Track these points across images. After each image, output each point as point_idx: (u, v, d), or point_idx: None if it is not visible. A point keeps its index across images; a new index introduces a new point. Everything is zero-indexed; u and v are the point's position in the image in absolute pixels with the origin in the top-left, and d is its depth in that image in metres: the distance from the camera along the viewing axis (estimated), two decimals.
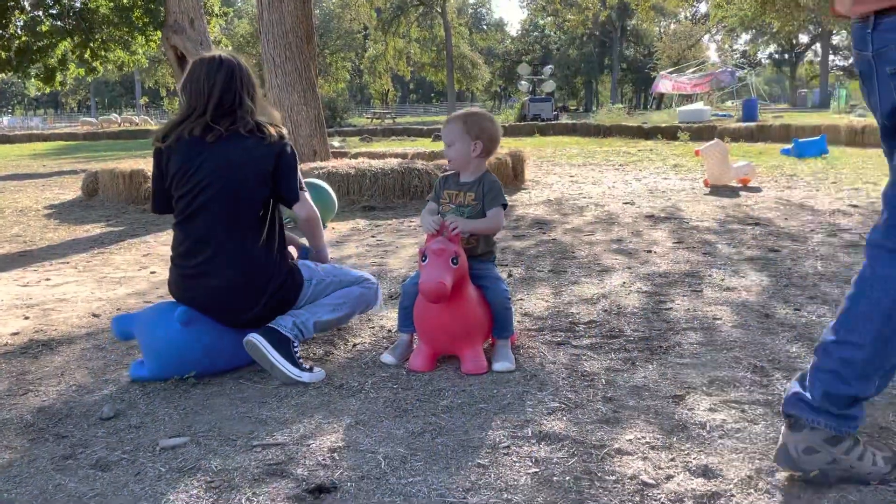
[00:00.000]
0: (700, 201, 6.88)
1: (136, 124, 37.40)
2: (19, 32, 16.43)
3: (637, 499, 1.74)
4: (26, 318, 3.54)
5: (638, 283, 3.88)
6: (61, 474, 1.94)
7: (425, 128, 23.44)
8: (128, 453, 2.05)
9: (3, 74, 17.44)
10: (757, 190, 7.56)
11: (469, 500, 1.75)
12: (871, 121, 15.87)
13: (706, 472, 1.84)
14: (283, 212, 2.82)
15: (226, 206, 2.60)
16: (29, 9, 16.32)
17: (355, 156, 9.76)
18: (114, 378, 2.67)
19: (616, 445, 2.00)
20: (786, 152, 11.33)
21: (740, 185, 7.86)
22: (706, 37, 53.65)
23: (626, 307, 3.41)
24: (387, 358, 2.74)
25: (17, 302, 3.88)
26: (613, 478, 1.83)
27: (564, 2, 49.74)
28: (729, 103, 30.39)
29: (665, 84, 33.97)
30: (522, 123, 24.00)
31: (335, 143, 15.58)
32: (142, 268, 4.78)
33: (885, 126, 1.74)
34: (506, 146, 10.17)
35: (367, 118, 38.43)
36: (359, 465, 1.93)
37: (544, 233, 5.51)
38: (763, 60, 62.64)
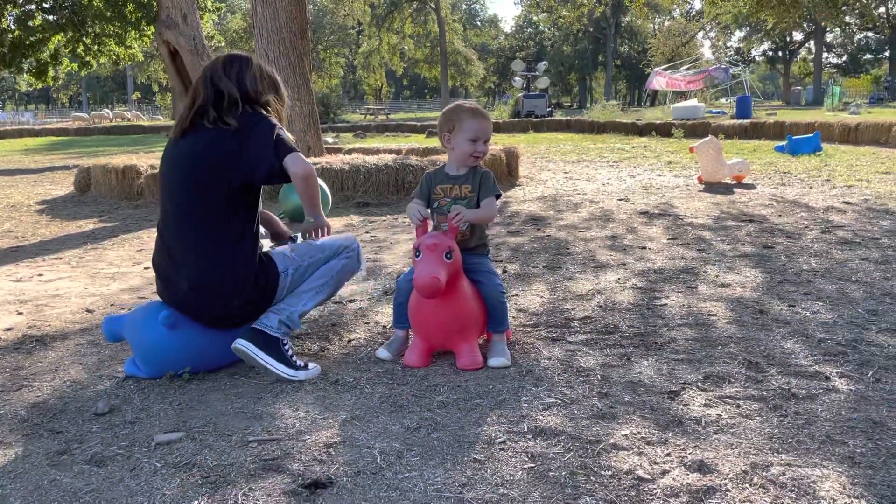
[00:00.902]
0: (694, 198, 6.90)
1: (128, 120, 37.29)
2: (12, 27, 16.34)
3: (632, 493, 1.74)
4: (19, 313, 3.53)
5: (633, 279, 3.89)
6: (56, 470, 1.93)
7: (419, 124, 23.43)
8: (123, 449, 2.04)
9: None
10: (751, 187, 7.58)
11: (465, 495, 1.75)
12: (864, 118, 15.94)
13: (701, 467, 1.85)
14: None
15: (183, 202, 2.52)
16: (21, 1, 16.24)
17: (349, 152, 9.75)
18: (108, 374, 2.67)
19: (611, 440, 2.01)
20: (780, 149, 11.38)
21: (734, 181, 7.88)
22: (700, 34, 53.70)
23: (621, 303, 3.42)
24: (382, 353, 2.74)
25: (9, 297, 3.87)
26: (609, 473, 1.84)
27: None
28: (723, 100, 30.47)
29: (659, 81, 34.00)
30: (516, 120, 24.00)
31: (329, 139, 15.57)
32: (135, 263, 4.77)
33: None
34: (500, 142, 10.18)
35: (361, 114, 38.39)
36: (354, 461, 1.93)
37: (539, 229, 5.51)
38: (757, 58, 62.74)
